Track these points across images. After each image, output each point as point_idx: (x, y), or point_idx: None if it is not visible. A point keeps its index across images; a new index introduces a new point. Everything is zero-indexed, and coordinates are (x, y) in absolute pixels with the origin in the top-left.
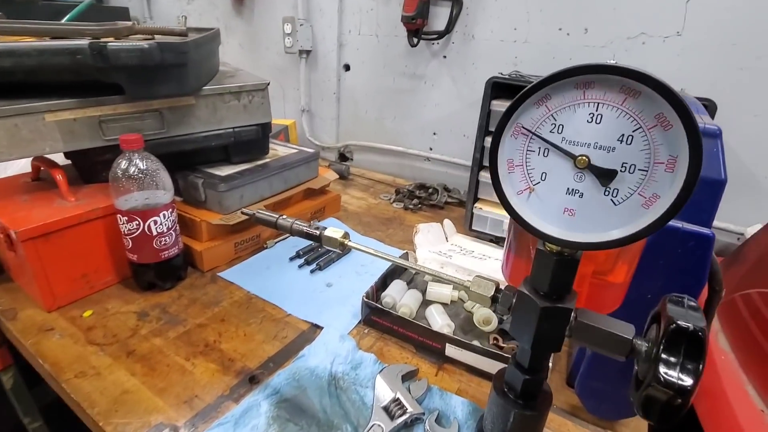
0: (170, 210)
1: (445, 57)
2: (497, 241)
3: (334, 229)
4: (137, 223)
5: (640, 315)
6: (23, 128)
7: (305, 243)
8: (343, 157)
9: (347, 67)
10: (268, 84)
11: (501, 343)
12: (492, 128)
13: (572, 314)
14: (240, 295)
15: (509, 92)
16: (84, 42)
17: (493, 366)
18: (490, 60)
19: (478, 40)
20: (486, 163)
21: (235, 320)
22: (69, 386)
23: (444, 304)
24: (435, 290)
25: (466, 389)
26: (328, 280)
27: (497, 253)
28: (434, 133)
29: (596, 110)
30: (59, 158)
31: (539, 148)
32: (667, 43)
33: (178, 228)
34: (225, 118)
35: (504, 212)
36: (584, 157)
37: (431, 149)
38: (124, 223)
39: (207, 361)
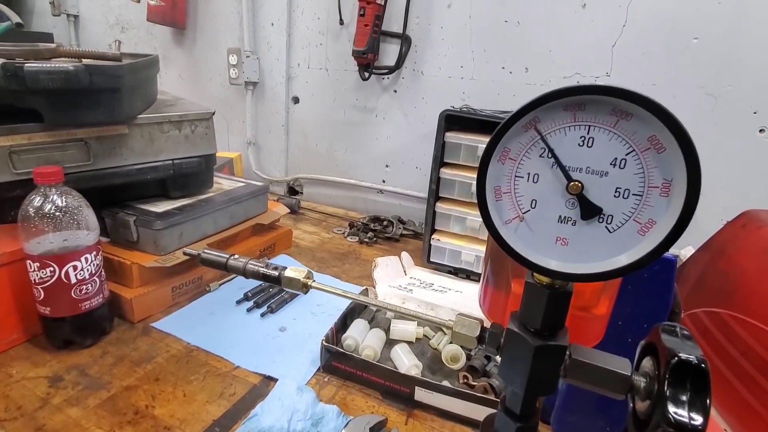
0: (94, 253)
1: (395, 91)
2: (456, 272)
3: (295, 269)
4: (52, 269)
5: (614, 342)
6: None
7: (254, 283)
8: (292, 191)
9: (296, 100)
10: (213, 113)
11: (471, 381)
12: (447, 159)
13: (566, 351)
14: (178, 348)
15: (461, 125)
16: None
17: (466, 408)
18: (439, 95)
19: (427, 76)
20: (442, 194)
21: (172, 378)
22: None
23: (409, 342)
24: (399, 328)
25: None
26: (281, 323)
27: (457, 285)
28: (387, 166)
29: (588, 133)
30: None
31: (528, 173)
32: (599, 83)
33: (103, 273)
34: (163, 149)
35: (462, 243)
36: (577, 183)
37: (384, 181)
38: (34, 270)
39: None
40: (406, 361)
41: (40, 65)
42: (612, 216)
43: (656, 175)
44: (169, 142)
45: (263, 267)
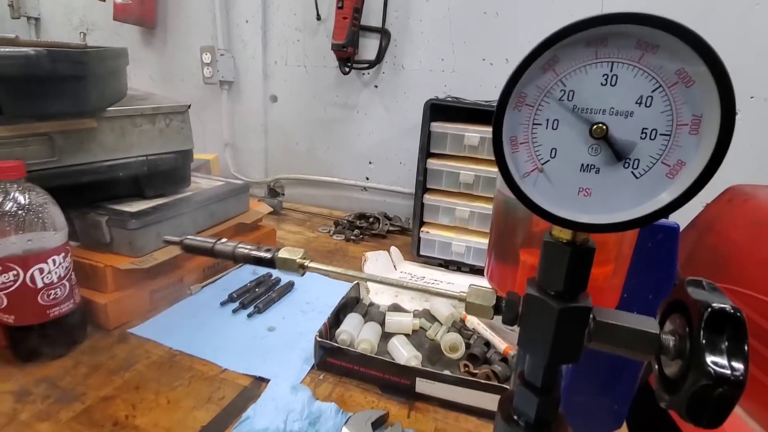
0: (62, 254)
1: (376, 86)
2: (446, 264)
3: (290, 249)
4: (15, 273)
5: None
6: None
7: (239, 284)
8: (273, 192)
9: (274, 99)
10: (189, 106)
11: (473, 369)
12: (433, 149)
13: (590, 314)
14: (159, 354)
15: (446, 114)
16: None
17: (470, 396)
18: (421, 88)
19: (408, 70)
20: (430, 185)
21: (154, 386)
22: None
23: (405, 335)
24: (394, 320)
25: (444, 428)
26: (269, 323)
27: (449, 277)
28: (370, 162)
29: (611, 71)
30: None
31: (547, 120)
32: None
33: (73, 277)
34: (136, 144)
35: (452, 234)
36: (601, 125)
37: (368, 179)
38: None
39: None
40: (405, 353)
41: None
42: (638, 160)
43: (685, 112)
44: (142, 137)
45: (254, 249)
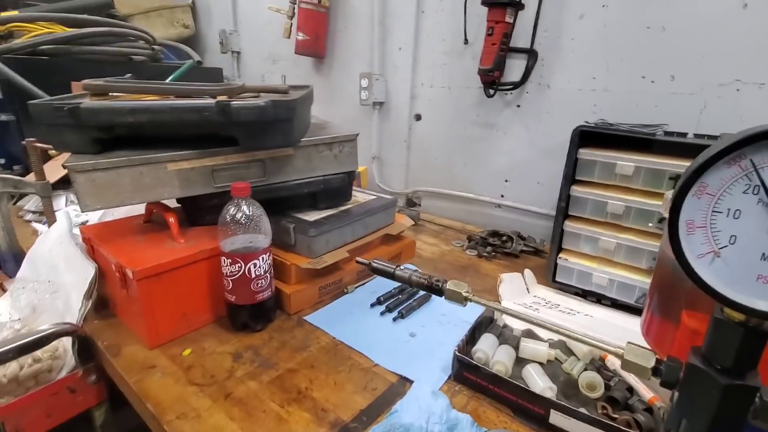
0: (268, 254)
1: (518, 106)
2: (584, 294)
3: (455, 282)
4: (239, 265)
5: None
6: (147, 176)
7: (385, 289)
8: (410, 203)
9: (418, 117)
10: (357, 135)
11: (611, 413)
12: (579, 176)
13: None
14: (326, 341)
15: (595, 140)
16: (211, 101)
17: None
18: (567, 109)
19: (554, 89)
20: (572, 212)
21: (324, 367)
22: (171, 428)
23: (540, 363)
24: (530, 347)
25: None
26: (410, 329)
27: (586, 308)
28: (506, 180)
29: None
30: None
31: (728, 209)
32: (764, 90)
33: (272, 271)
34: (318, 167)
35: (593, 264)
36: None
37: (502, 196)
38: (227, 265)
39: (301, 410)
40: (540, 382)
41: (242, 103)
42: None
43: None
44: (322, 160)
45: (427, 279)
